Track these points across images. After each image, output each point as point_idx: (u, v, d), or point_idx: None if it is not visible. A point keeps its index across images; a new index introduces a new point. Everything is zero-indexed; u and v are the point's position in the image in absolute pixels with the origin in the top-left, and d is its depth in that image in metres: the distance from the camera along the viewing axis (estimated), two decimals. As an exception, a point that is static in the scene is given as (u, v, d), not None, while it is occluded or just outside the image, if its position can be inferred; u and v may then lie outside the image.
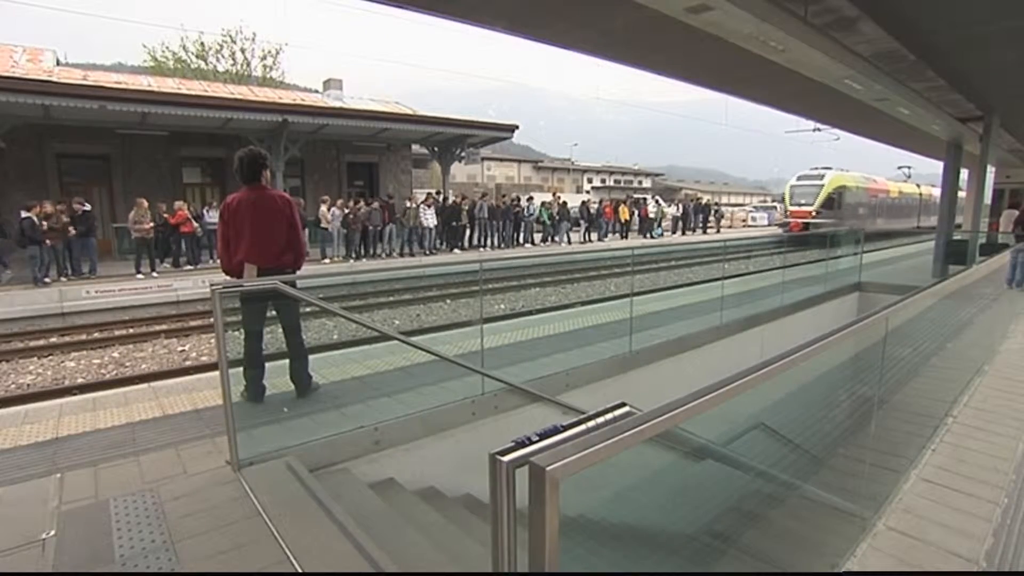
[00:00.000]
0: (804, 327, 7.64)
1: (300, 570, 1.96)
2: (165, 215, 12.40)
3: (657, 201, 28.88)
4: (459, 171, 36.11)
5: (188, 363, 7.24)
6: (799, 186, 26.60)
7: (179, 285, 11.36)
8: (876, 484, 2.50)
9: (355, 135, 17.99)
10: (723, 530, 1.86)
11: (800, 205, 25.59)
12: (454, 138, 18.85)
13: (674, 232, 25.75)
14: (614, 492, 1.39)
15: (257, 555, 2.04)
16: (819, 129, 20.13)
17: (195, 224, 12.83)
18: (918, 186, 33.89)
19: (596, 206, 22.66)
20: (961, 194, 13.01)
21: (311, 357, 3.94)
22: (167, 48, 29.76)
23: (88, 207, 11.53)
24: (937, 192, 33.57)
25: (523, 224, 18.98)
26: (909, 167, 31.00)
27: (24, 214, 9.98)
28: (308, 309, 3.74)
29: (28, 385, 6.44)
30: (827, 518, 2.30)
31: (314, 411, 3.49)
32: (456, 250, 16.81)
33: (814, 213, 24.92)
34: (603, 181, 51.34)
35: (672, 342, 5.58)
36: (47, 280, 10.28)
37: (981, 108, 10.42)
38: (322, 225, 14.08)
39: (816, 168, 27.16)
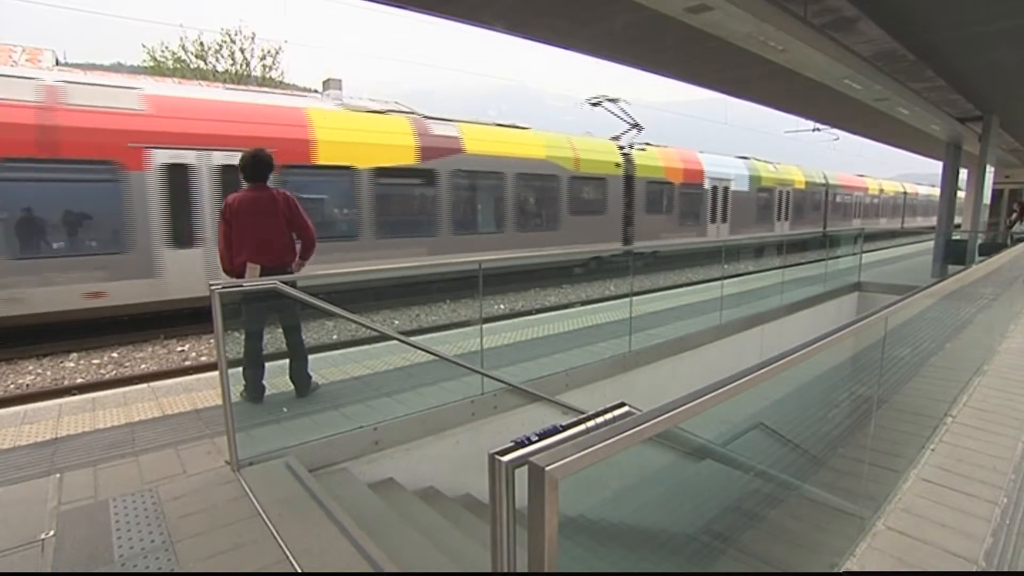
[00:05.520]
0: (803, 327, 7.65)
1: (299, 570, 1.96)
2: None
3: None
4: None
5: (187, 363, 7.24)
6: None
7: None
8: (875, 484, 2.50)
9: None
10: (723, 530, 1.86)
11: None
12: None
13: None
14: (614, 492, 1.39)
15: (256, 555, 2.04)
16: (819, 129, 20.18)
17: None
18: (625, 151, 14.05)
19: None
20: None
21: (311, 357, 3.94)
22: (166, 48, 29.70)
23: None
24: (725, 169, 16.93)
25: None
26: (618, 99, 14.23)
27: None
28: (308, 309, 3.75)
29: (27, 385, 6.43)
30: (826, 518, 2.30)
31: (314, 411, 3.49)
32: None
33: None
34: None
35: (672, 342, 5.58)
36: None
37: (980, 108, 10.43)
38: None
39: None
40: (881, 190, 28.21)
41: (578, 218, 12.88)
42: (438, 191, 10.36)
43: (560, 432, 0.99)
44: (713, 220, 16.95)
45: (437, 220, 10.47)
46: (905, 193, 31.14)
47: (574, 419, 1.04)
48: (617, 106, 14.42)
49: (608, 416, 1.08)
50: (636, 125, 14.85)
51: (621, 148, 14.17)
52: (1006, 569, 2.12)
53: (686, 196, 15.89)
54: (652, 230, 14.63)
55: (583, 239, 12.88)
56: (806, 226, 21.56)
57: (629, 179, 13.96)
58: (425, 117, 10.64)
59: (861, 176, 27.42)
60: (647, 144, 15.24)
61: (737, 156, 18.71)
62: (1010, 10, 5.68)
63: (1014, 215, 10.31)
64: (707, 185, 16.54)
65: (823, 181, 22.62)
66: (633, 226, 14.15)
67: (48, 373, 6.82)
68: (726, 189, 17.25)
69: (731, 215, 17.48)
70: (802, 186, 21.29)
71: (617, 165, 13.71)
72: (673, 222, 15.49)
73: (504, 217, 11.54)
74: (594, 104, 14.29)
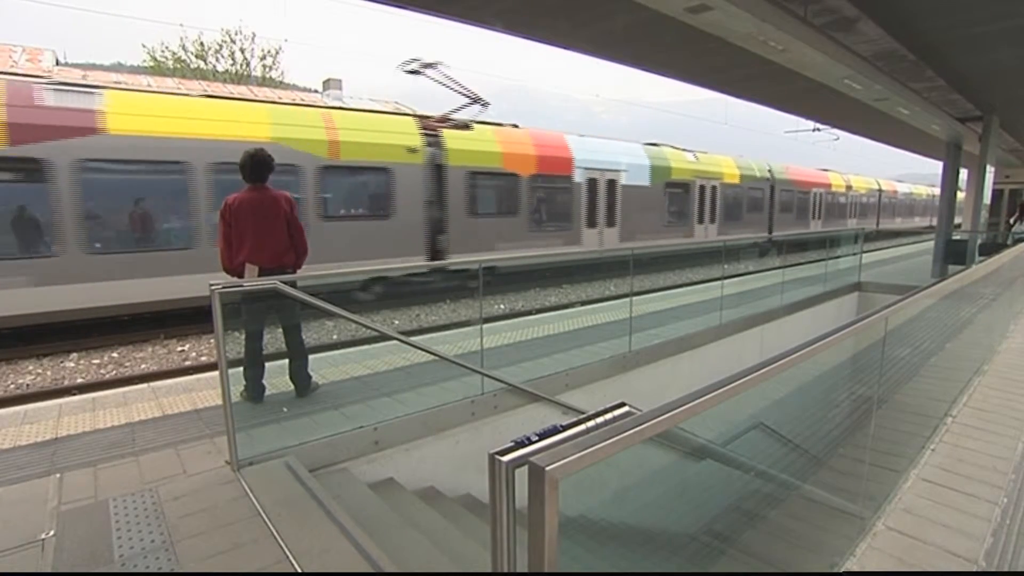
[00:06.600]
0: (804, 327, 7.65)
1: (299, 570, 1.96)
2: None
3: None
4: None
5: (188, 363, 7.24)
6: None
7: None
8: (875, 484, 2.50)
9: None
10: (723, 530, 1.86)
11: None
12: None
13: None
14: (614, 492, 1.39)
15: (256, 555, 2.04)
16: (819, 129, 20.20)
17: None
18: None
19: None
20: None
21: (311, 357, 3.94)
22: (166, 48, 29.73)
23: None
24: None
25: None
26: (437, 63, 10.90)
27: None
28: (308, 309, 3.76)
29: (27, 385, 6.44)
30: (826, 518, 2.30)
31: (314, 411, 3.49)
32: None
33: None
34: (601, 181, 50.46)
35: (671, 342, 5.58)
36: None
37: (981, 108, 10.44)
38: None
39: None
40: (849, 187, 24.22)
41: (339, 225, 9.26)
42: (50, 190, 6.83)
43: (560, 432, 0.99)
44: (592, 224, 13.01)
45: (49, 236, 6.90)
46: (880, 191, 27.59)
47: (574, 419, 1.04)
48: (441, 73, 10.77)
49: (608, 416, 1.08)
50: (477, 100, 11.13)
51: (430, 128, 10.49)
52: (1006, 569, 2.12)
53: (541, 192, 12.04)
54: (483, 238, 10.90)
55: (350, 254, 9.05)
56: (743, 230, 17.27)
57: (439, 169, 10.30)
58: (41, 82, 7.20)
59: (824, 170, 23.57)
60: (481, 123, 11.38)
61: (645, 143, 14.93)
62: (1010, 10, 5.68)
63: (1015, 216, 10.36)
64: (579, 177, 12.57)
65: (766, 175, 18.59)
66: (447, 234, 10.50)
67: (48, 373, 6.83)
68: (612, 183, 13.33)
69: (622, 217, 13.62)
70: (735, 180, 17.05)
71: (411, 150, 9.88)
72: (520, 227, 11.62)
73: (192, 227, 7.80)
74: (411, 72, 10.67)
